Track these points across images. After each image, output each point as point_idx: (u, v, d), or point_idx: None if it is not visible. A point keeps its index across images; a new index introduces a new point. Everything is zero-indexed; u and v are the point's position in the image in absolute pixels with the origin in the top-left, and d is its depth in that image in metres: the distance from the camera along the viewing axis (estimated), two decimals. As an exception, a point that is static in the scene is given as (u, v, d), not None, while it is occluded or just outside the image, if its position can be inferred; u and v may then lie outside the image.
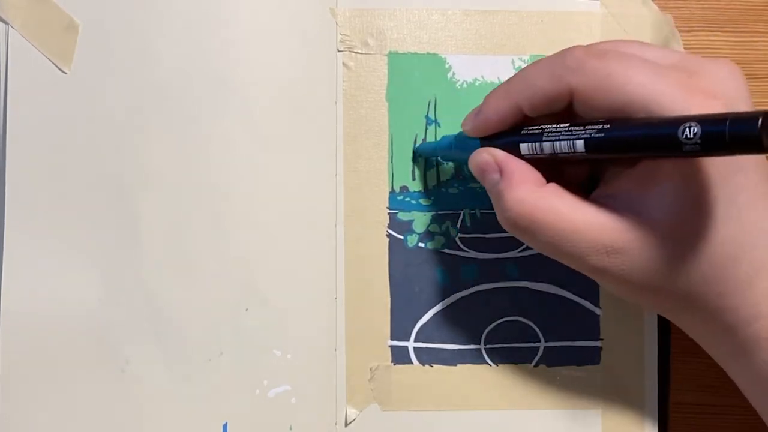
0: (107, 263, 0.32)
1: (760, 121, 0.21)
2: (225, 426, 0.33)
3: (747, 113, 0.22)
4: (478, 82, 0.34)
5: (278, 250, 0.33)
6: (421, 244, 0.34)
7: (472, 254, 0.34)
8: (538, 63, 0.28)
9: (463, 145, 0.30)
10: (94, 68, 0.33)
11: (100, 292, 0.32)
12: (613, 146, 0.25)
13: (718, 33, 0.34)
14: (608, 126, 0.25)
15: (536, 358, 0.34)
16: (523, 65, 0.34)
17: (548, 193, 0.27)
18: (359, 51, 0.34)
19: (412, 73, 0.34)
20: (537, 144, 0.27)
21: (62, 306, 0.32)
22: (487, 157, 0.28)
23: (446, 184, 0.34)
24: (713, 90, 0.25)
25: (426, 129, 0.34)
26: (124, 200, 0.33)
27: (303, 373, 0.33)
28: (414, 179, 0.34)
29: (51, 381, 0.32)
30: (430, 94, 0.34)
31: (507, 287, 0.34)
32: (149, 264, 0.32)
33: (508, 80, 0.28)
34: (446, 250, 0.34)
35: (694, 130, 0.22)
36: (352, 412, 0.33)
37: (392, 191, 0.34)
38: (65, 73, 0.33)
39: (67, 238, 0.32)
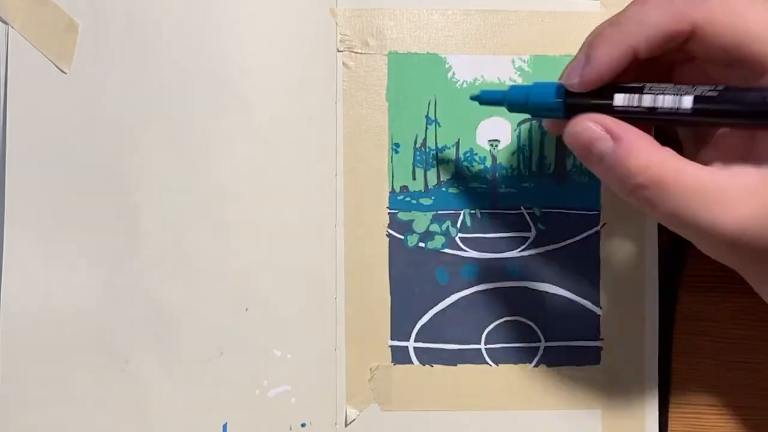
0: (107, 263, 0.32)
1: None
2: (225, 426, 0.33)
3: None
4: (478, 82, 0.34)
5: (278, 250, 0.33)
6: (421, 244, 0.34)
7: (472, 254, 0.34)
8: (648, 0, 0.26)
9: (541, 100, 0.27)
10: (94, 68, 0.33)
11: (100, 292, 0.32)
12: (725, 112, 0.24)
13: (719, 33, 0.34)
14: (722, 88, 0.24)
15: (536, 358, 0.34)
16: (523, 65, 0.34)
17: (671, 155, 0.25)
18: (359, 51, 0.34)
19: (412, 73, 0.34)
20: (636, 96, 0.25)
21: (62, 306, 0.32)
22: (592, 126, 0.26)
23: (446, 184, 0.34)
24: None
25: (426, 129, 0.34)
26: (124, 200, 0.33)
27: (303, 373, 0.33)
28: (414, 179, 0.34)
29: (51, 380, 0.32)
30: (430, 94, 0.34)
31: (507, 287, 0.34)
32: (149, 264, 0.32)
33: (617, 21, 0.26)
34: (446, 250, 0.34)
35: None
36: (352, 412, 0.33)
37: (392, 191, 0.34)
38: (65, 73, 0.33)
39: (67, 238, 0.32)
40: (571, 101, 0.27)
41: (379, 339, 0.33)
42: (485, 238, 0.34)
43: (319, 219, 0.33)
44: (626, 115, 0.25)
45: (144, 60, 0.33)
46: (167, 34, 0.33)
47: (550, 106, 0.27)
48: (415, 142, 0.34)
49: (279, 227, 0.33)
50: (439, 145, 0.34)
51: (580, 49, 0.27)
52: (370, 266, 0.33)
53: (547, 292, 0.34)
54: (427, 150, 0.34)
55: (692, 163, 0.25)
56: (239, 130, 0.33)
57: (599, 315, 0.34)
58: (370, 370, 0.33)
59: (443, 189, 0.34)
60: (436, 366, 0.33)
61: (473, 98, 0.30)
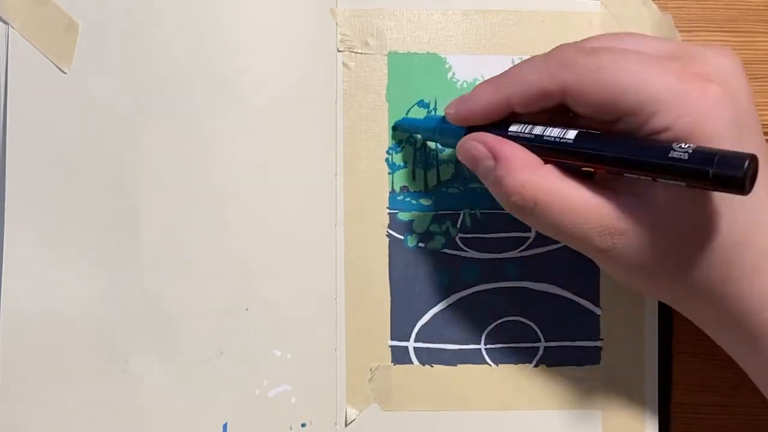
0: (107, 263, 0.32)
1: (746, 163, 0.21)
2: (225, 426, 0.33)
3: (734, 153, 0.22)
4: (478, 82, 0.34)
5: (278, 250, 0.33)
6: (421, 244, 0.34)
7: (472, 254, 0.34)
8: (531, 60, 0.27)
9: (447, 129, 0.30)
10: (94, 68, 0.33)
11: (100, 292, 0.32)
12: (604, 153, 0.25)
13: (718, 33, 0.34)
14: (601, 132, 0.25)
15: (536, 358, 0.34)
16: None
17: (548, 173, 0.26)
18: (359, 51, 0.34)
19: (412, 73, 0.34)
20: (528, 126, 0.27)
21: (62, 306, 0.32)
22: (477, 144, 0.28)
23: (446, 184, 0.34)
24: (708, 74, 0.25)
25: (426, 129, 0.34)
26: (124, 200, 0.33)
27: (303, 373, 0.33)
28: (414, 179, 0.34)
29: (51, 381, 0.32)
30: (430, 94, 0.34)
31: (507, 287, 0.34)
32: (149, 264, 0.32)
33: (500, 74, 0.28)
34: (446, 250, 0.34)
35: (682, 155, 0.22)
36: (352, 412, 0.33)
37: (392, 191, 0.34)
38: (65, 73, 0.33)
39: (67, 238, 0.32)
40: (474, 129, 0.29)
41: (379, 339, 0.33)
42: (485, 238, 0.34)
43: (319, 219, 0.33)
44: (518, 141, 0.27)
45: (144, 60, 0.33)
46: (167, 34, 0.33)
47: (454, 135, 0.29)
48: (416, 142, 0.34)
49: (279, 227, 0.33)
50: (439, 145, 0.34)
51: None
52: (370, 266, 0.33)
53: (547, 292, 0.34)
54: (427, 150, 0.34)
55: (572, 182, 0.26)
56: (239, 130, 0.33)
57: (599, 315, 0.34)
58: (370, 370, 0.33)
59: (443, 189, 0.34)
60: (436, 366, 0.33)
61: (392, 127, 0.33)
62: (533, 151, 0.27)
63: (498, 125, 0.28)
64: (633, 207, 0.25)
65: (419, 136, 0.33)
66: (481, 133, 0.28)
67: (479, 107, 0.28)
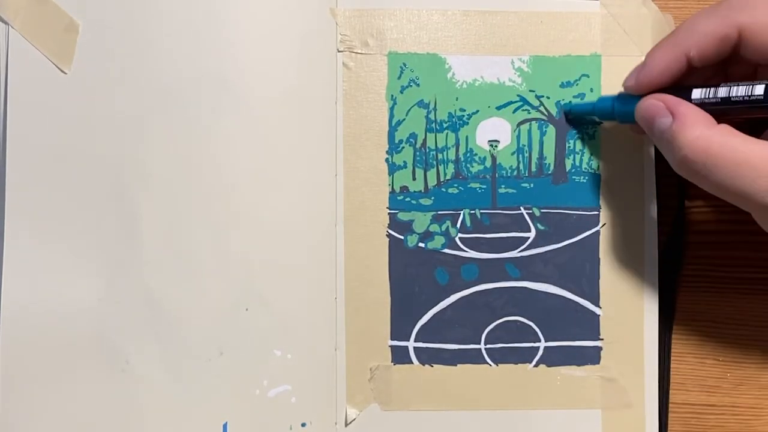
0: (107, 263, 0.32)
1: None
2: (225, 426, 0.32)
3: None
4: (478, 83, 0.34)
5: (278, 250, 0.33)
6: (421, 244, 0.34)
7: (472, 254, 0.34)
8: (699, 12, 0.28)
9: (627, 103, 0.30)
10: (94, 68, 0.33)
11: (100, 292, 0.32)
12: None
13: (718, 33, 0.34)
14: None
15: (536, 358, 0.34)
16: (523, 65, 0.34)
17: (723, 130, 0.27)
18: (359, 51, 0.34)
19: (412, 73, 0.34)
20: (711, 89, 0.27)
21: (62, 306, 0.32)
22: (656, 102, 0.28)
23: (446, 184, 0.34)
24: None
25: (426, 129, 0.34)
26: (125, 200, 0.33)
27: (303, 373, 0.33)
28: (414, 179, 0.34)
29: (51, 381, 0.32)
30: (430, 94, 0.34)
31: (507, 287, 0.34)
32: (149, 264, 0.32)
33: (670, 34, 0.29)
34: (446, 250, 0.34)
35: None
36: (352, 412, 0.33)
37: (392, 191, 0.34)
38: (65, 73, 0.33)
39: (68, 238, 0.32)
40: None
41: (379, 339, 0.33)
42: (485, 238, 0.34)
43: (319, 219, 0.33)
44: (703, 107, 0.28)
45: (144, 60, 0.33)
46: (167, 34, 0.33)
47: (633, 106, 0.29)
48: (415, 142, 0.34)
49: (279, 227, 0.33)
50: (439, 146, 0.34)
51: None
52: (370, 266, 0.33)
53: (547, 292, 0.34)
54: (427, 150, 0.34)
55: (746, 138, 0.26)
56: (239, 129, 0.33)
57: (599, 315, 0.34)
58: (370, 370, 0.33)
59: (443, 189, 0.34)
60: (436, 366, 0.33)
61: (565, 112, 0.33)
62: (716, 115, 0.27)
63: (679, 91, 0.28)
64: None
65: (595, 118, 0.33)
66: (660, 93, 0.29)
67: (658, 70, 0.28)
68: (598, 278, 0.34)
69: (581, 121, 0.33)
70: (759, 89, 0.26)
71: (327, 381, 0.33)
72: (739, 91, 0.27)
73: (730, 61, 0.28)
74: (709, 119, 0.27)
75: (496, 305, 0.34)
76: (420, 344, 0.33)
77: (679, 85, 0.29)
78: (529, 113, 0.34)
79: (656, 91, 0.29)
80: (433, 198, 0.34)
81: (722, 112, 0.27)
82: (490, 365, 0.33)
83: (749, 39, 0.26)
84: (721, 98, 0.27)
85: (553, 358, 0.33)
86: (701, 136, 0.27)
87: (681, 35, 0.28)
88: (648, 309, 0.33)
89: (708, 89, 0.28)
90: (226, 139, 0.33)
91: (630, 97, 0.30)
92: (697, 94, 0.28)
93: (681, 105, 0.28)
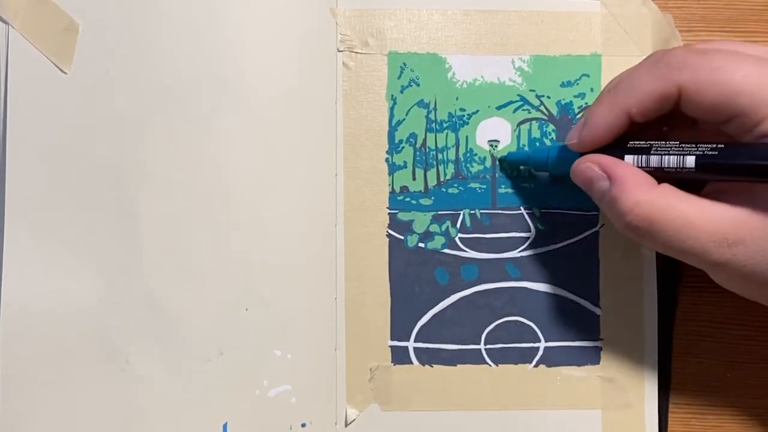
0: (107, 263, 0.32)
1: None
2: (225, 426, 0.33)
3: None
4: (478, 82, 0.34)
5: (278, 250, 0.33)
6: (421, 244, 0.34)
7: (472, 254, 0.34)
8: (638, 67, 0.28)
9: (561, 157, 0.30)
10: (94, 68, 0.33)
11: (100, 292, 0.32)
12: (726, 168, 0.26)
13: (718, 33, 0.34)
14: (722, 146, 0.26)
15: (536, 358, 0.34)
16: (523, 65, 0.34)
17: (663, 192, 0.27)
18: (359, 51, 0.34)
19: (412, 73, 0.34)
20: (644, 157, 0.27)
21: (62, 306, 0.32)
22: (591, 166, 0.28)
23: (446, 184, 0.34)
24: None
25: (426, 129, 0.34)
26: (125, 200, 0.33)
27: (303, 373, 0.33)
28: (414, 179, 0.34)
29: (51, 381, 0.32)
30: (430, 94, 0.34)
31: (507, 287, 0.34)
32: (149, 264, 0.32)
33: (610, 89, 0.28)
34: (446, 250, 0.34)
35: None
36: (352, 412, 0.33)
37: (392, 191, 0.34)
38: (65, 73, 0.33)
39: (68, 238, 0.32)
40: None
41: (379, 339, 0.33)
42: (485, 238, 0.34)
43: (319, 219, 0.33)
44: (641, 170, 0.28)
45: (144, 60, 0.33)
46: (167, 34, 0.33)
47: (569, 162, 0.29)
48: (415, 142, 0.34)
49: (279, 227, 0.33)
50: (439, 145, 0.34)
51: (582, 116, 0.30)
52: (370, 266, 0.33)
53: (547, 292, 0.34)
54: (427, 150, 0.34)
55: (687, 198, 0.26)
56: (239, 129, 0.33)
57: (599, 315, 0.34)
58: (370, 370, 0.33)
59: (443, 189, 0.34)
60: (436, 366, 0.33)
61: (499, 160, 0.33)
62: (650, 173, 0.27)
63: (614, 149, 0.28)
64: (748, 215, 0.25)
65: (522, 167, 0.33)
66: (595, 154, 0.28)
67: (601, 130, 0.28)
68: (598, 278, 0.34)
69: (513, 169, 0.33)
70: (690, 161, 0.26)
71: (327, 381, 0.33)
72: (670, 161, 0.27)
73: (671, 115, 0.28)
74: (649, 180, 0.27)
75: (496, 305, 0.34)
76: (420, 344, 0.33)
77: (617, 143, 0.28)
78: (530, 113, 0.34)
79: (597, 149, 0.29)
80: (433, 198, 0.34)
81: (657, 174, 0.27)
82: (490, 365, 0.33)
83: (689, 97, 0.26)
84: (654, 167, 0.27)
85: (553, 359, 0.33)
86: (642, 202, 0.26)
87: (621, 94, 0.28)
88: (648, 309, 0.33)
89: (641, 157, 0.27)
90: (226, 139, 0.33)
91: (567, 152, 0.30)
92: (629, 160, 0.28)
93: (618, 167, 0.27)
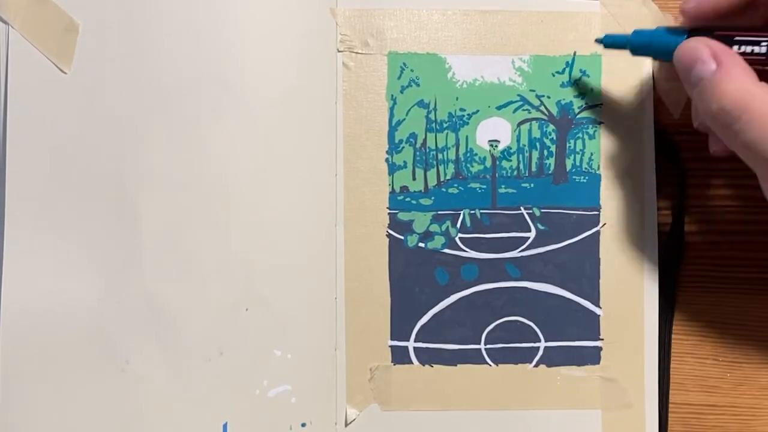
0: (107, 263, 0.32)
1: None
2: (225, 426, 0.33)
3: None
4: (478, 82, 0.34)
5: (278, 250, 0.33)
6: (421, 244, 0.34)
7: (472, 254, 0.34)
8: None
9: (665, 37, 0.29)
10: (94, 68, 0.33)
11: (100, 292, 0.32)
12: None
13: (718, 33, 0.34)
14: None
15: (536, 358, 0.34)
16: (523, 65, 0.34)
17: (766, 89, 0.26)
18: (359, 51, 0.34)
19: (412, 73, 0.34)
20: (751, 48, 0.27)
21: (62, 306, 0.32)
22: (701, 46, 0.27)
23: (446, 184, 0.34)
24: None
25: (426, 129, 0.34)
26: (125, 200, 0.33)
27: (303, 373, 0.33)
28: (414, 179, 0.34)
29: (51, 381, 0.32)
30: (430, 94, 0.34)
31: (507, 287, 0.34)
32: (149, 264, 0.32)
33: None
34: (446, 250, 0.34)
35: None
36: (352, 412, 0.33)
37: (392, 191, 0.34)
38: (65, 73, 0.33)
39: (68, 238, 0.32)
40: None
41: (379, 339, 0.33)
42: (485, 238, 0.34)
43: (319, 219, 0.33)
44: (748, 58, 0.27)
45: (144, 60, 0.33)
46: (168, 35, 0.33)
47: (672, 44, 0.29)
48: (415, 142, 0.34)
49: (279, 227, 0.33)
50: (439, 145, 0.34)
51: None
52: (370, 266, 0.33)
53: (547, 292, 0.34)
54: (427, 150, 0.34)
55: None
56: (239, 130, 0.33)
57: (599, 315, 0.34)
58: (370, 370, 0.33)
59: (443, 189, 0.34)
60: (436, 366, 0.33)
61: (598, 41, 0.31)
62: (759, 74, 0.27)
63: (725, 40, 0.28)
64: None
65: (627, 50, 0.31)
66: (706, 38, 0.28)
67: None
68: (598, 278, 0.34)
69: (615, 49, 0.32)
70: None
71: (327, 381, 0.33)
72: None
73: None
74: (753, 74, 0.27)
75: (496, 305, 0.34)
76: (420, 344, 0.33)
77: (726, 31, 0.28)
78: (530, 113, 0.34)
79: (707, 29, 0.28)
80: (433, 198, 0.34)
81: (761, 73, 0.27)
82: (490, 365, 0.33)
83: None
84: (760, 58, 0.27)
85: (553, 358, 0.33)
86: (743, 89, 0.26)
87: None
88: (648, 309, 0.33)
89: (747, 48, 0.27)
90: (226, 139, 0.33)
91: (668, 34, 0.29)
92: (741, 46, 0.27)
93: (727, 54, 0.27)
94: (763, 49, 0.27)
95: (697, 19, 0.29)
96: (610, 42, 0.31)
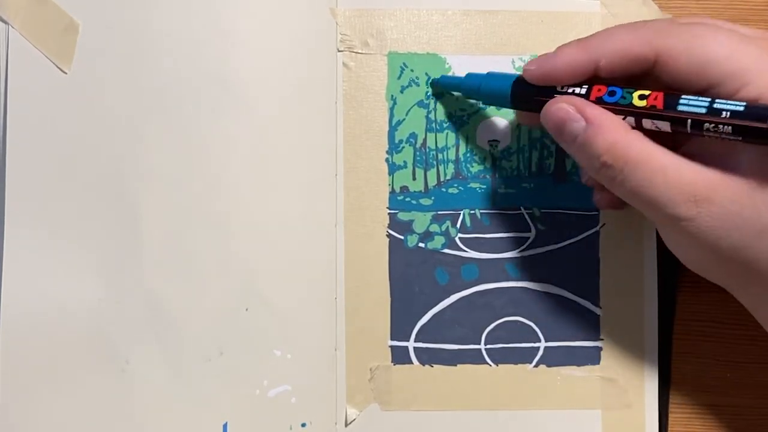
0: (107, 263, 0.32)
1: None
2: (225, 426, 0.33)
3: None
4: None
5: (278, 250, 0.33)
6: (421, 244, 0.34)
7: (472, 254, 0.34)
8: (621, 26, 0.27)
9: (495, 85, 0.30)
10: (94, 68, 0.33)
11: (100, 292, 0.32)
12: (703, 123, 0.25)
13: (718, 33, 0.34)
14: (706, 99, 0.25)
15: (536, 358, 0.34)
16: (523, 65, 0.34)
17: (640, 136, 0.26)
18: (359, 51, 0.34)
19: (412, 73, 0.34)
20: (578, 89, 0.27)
21: (62, 306, 0.32)
22: (566, 106, 0.27)
23: (446, 184, 0.34)
24: None
25: (426, 129, 0.34)
26: (125, 200, 0.33)
27: (303, 373, 0.33)
28: (414, 179, 0.34)
29: (51, 380, 0.32)
30: (430, 94, 0.34)
31: (507, 287, 0.34)
32: (149, 264, 0.32)
33: (587, 37, 0.28)
34: (446, 250, 0.34)
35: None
36: (352, 412, 0.33)
37: (392, 191, 0.34)
38: (65, 73, 0.33)
39: (68, 238, 0.32)
40: (521, 90, 0.29)
41: (379, 339, 0.33)
42: (485, 238, 0.34)
43: (319, 219, 0.33)
44: (613, 108, 0.27)
45: (144, 60, 0.33)
46: (167, 34, 0.33)
47: (501, 94, 0.29)
48: (415, 142, 0.34)
49: (279, 227, 0.33)
50: (439, 146, 0.34)
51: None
52: (370, 266, 0.33)
53: (547, 292, 0.34)
54: (427, 150, 0.34)
55: (660, 147, 0.26)
56: (239, 130, 0.33)
57: (599, 315, 0.34)
58: (370, 370, 0.33)
59: (443, 189, 0.34)
60: (436, 366, 0.33)
61: (431, 83, 0.33)
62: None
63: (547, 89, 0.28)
64: (721, 176, 0.25)
65: (457, 93, 0.33)
66: (569, 96, 0.28)
67: (564, 66, 0.28)
68: (598, 278, 0.34)
69: (444, 93, 0.33)
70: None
71: (327, 381, 0.33)
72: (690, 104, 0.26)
73: (634, 80, 0.27)
74: (623, 124, 0.27)
75: (496, 305, 0.34)
76: (420, 344, 0.33)
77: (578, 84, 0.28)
78: (530, 113, 0.34)
79: (550, 88, 0.28)
80: (433, 198, 0.34)
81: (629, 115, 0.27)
82: (490, 365, 0.33)
83: (665, 63, 0.26)
84: (625, 106, 0.26)
85: (553, 359, 0.33)
86: (619, 142, 0.26)
87: (597, 41, 0.27)
88: (648, 309, 0.33)
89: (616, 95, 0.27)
90: (226, 139, 0.33)
91: (501, 78, 0.30)
92: (610, 99, 0.27)
93: (594, 109, 0.27)
94: (615, 98, 0.27)
95: (540, 81, 0.28)
96: (443, 83, 0.33)
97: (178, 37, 0.33)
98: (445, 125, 0.34)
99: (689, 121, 0.25)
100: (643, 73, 0.27)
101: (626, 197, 0.27)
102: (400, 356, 0.33)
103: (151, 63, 0.33)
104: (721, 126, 0.24)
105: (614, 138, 0.26)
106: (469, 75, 0.32)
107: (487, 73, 0.31)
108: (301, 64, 0.33)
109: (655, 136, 0.26)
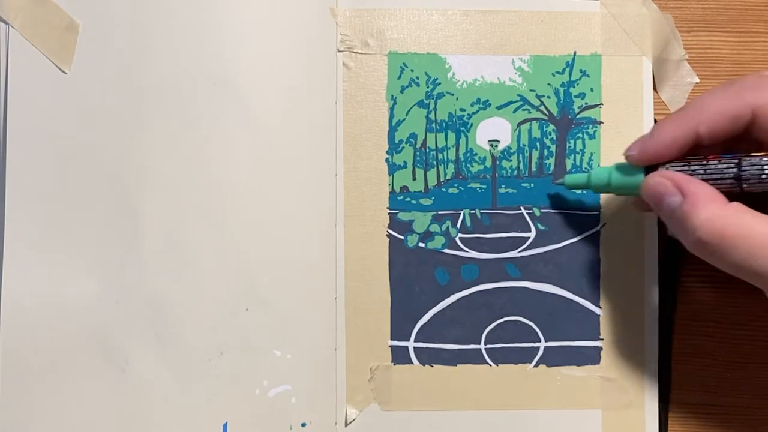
0: (107, 263, 0.32)
1: None
2: (225, 426, 0.33)
3: None
4: (478, 82, 0.34)
5: (278, 250, 0.33)
6: (421, 244, 0.34)
7: (472, 254, 0.34)
8: (711, 90, 0.27)
9: (625, 176, 0.29)
10: (94, 68, 0.33)
11: (100, 292, 0.32)
12: None
13: (718, 33, 0.34)
14: None
15: (536, 358, 0.34)
16: (523, 65, 0.34)
17: (737, 209, 0.26)
18: (359, 51, 0.34)
19: (412, 73, 0.34)
20: (718, 166, 0.27)
21: (62, 306, 0.32)
22: (664, 181, 0.27)
23: (446, 184, 0.34)
24: None
25: (426, 129, 0.34)
26: (125, 200, 0.33)
27: (303, 373, 0.33)
28: (414, 179, 0.34)
29: (51, 380, 0.32)
30: (430, 94, 0.34)
31: (507, 287, 0.34)
32: (149, 264, 0.32)
33: (680, 109, 0.28)
34: (446, 250, 0.34)
35: None
36: (352, 412, 0.33)
37: (392, 191, 0.34)
38: (65, 73, 0.33)
39: (68, 238, 0.32)
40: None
41: (379, 339, 0.33)
42: (485, 238, 0.34)
43: (319, 219, 0.33)
44: (713, 181, 0.27)
45: (144, 60, 0.33)
46: (167, 34, 0.33)
47: (630, 179, 0.29)
48: (415, 142, 0.34)
49: (279, 227, 0.33)
50: (439, 146, 0.34)
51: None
52: (370, 266, 0.33)
53: (547, 292, 0.34)
54: (427, 150, 0.34)
55: (760, 216, 0.26)
56: (239, 130, 0.33)
57: (599, 315, 0.34)
58: (370, 370, 0.33)
59: (443, 189, 0.34)
60: (436, 366, 0.33)
61: (558, 183, 0.33)
62: (725, 191, 0.27)
63: (678, 162, 0.28)
64: None
65: (582, 191, 0.33)
66: (667, 171, 0.28)
67: (665, 143, 0.28)
68: (598, 278, 0.34)
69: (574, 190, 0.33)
70: None
71: (327, 381, 0.33)
72: (754, 166, 0.26)
73: (738, 139, 0.27)
74: (721, 197, 0.26)
75: (496, 305, 0.34)
76: (420, 344, 0.33)
77: (682, 159, 0.28)
78: (530, 113, 0.34)
79: (658, 165, 0.28)
80: (433, 198, 0.34)
81: (731, 188, 0.27)
82: (490, 365, 0.33)
83: (762, 120, 0.26)
84: (731, 175, 0.27)
85: (553, 358, 0.33)
86: (714, 217, 0.26)
87: (692, 111, 0.27)
88: (648, 309, 0.33)
89: (718, 163, 0.27)
90: (226, 139, 0.33)
91: (629, 168, 0.29)
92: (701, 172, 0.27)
93: (691, 183, 0.27)
94: (729, 170, 0.27)
95: (645, 163, 0.29)
96: (572, 183, 0.32)
97: (178, 38, 0.33)
98: (445, 125, 0.34)
99: None
100: (745, 131, 0.27)
101: (728, 270, 0.27)
102: (400, 356, 0.33)
103: (151, 63, 0.33)
104: None
105: (710, 212, 0.26)
106: (597, 170, 0.31)
107: (615, 165, 0.30)
108: (302, 65, 0.33)
109: None
